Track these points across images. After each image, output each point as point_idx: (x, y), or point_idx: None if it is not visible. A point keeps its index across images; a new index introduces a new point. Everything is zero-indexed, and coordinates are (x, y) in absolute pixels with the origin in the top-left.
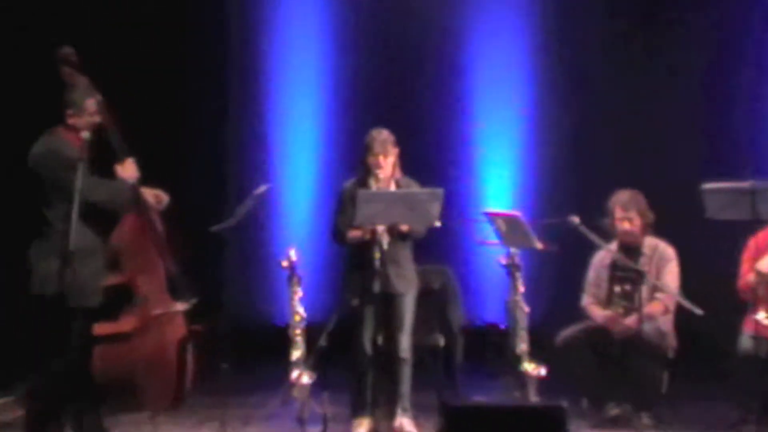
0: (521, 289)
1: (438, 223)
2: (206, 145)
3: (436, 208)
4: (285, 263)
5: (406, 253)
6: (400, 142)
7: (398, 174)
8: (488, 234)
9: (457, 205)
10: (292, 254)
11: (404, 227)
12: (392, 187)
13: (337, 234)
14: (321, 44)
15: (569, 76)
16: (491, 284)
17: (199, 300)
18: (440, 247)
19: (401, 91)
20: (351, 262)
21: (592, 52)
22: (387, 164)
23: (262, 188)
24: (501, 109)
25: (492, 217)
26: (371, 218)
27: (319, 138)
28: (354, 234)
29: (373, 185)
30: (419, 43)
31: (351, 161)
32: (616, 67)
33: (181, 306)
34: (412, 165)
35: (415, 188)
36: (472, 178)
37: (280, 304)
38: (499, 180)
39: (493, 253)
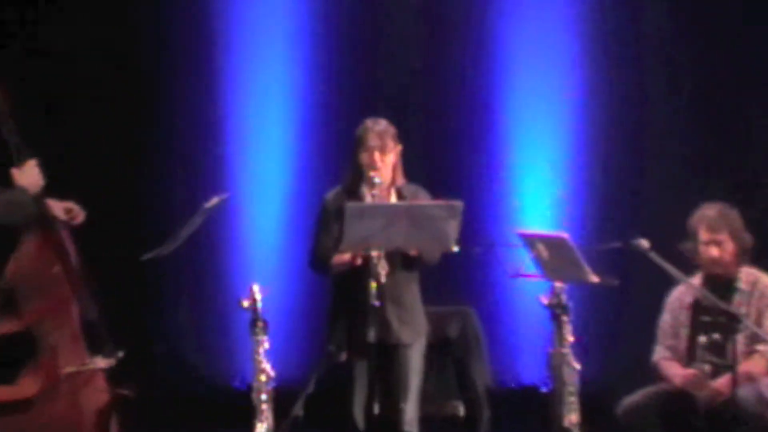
0: (570, 338)
1: (456, 248)
2: (139, 144)
3: (453, 228)
4: (246, 303)
5: (412, 289)
6: (404, 143)
7: (401, 180)
8: (525, 263)
9: (482, 224)
10: (256, 291)
11: (411, 253)
12: (393, 198)
13: (317, 262)
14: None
15: (628, 61)
16: (528, 332)
17: (128, 354)
18: (459, 281)
19: (402, 81)
20: (336, 301)
21: (652, 44)
22: (385, 165)
23: (214, 200)
24: (539, 102)
25: (529, 240)
26: (364, 240)
27: (290, 135)
28: (341, 262)
29: (367, 195)
30: (429, 18)
31: (334, 163)
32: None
33: (102, 362)
34: (420, 173)
35: (424, 199)
36: (501, 189)
37: (239, 359)
38: (537, 191)
39: (530, 290)
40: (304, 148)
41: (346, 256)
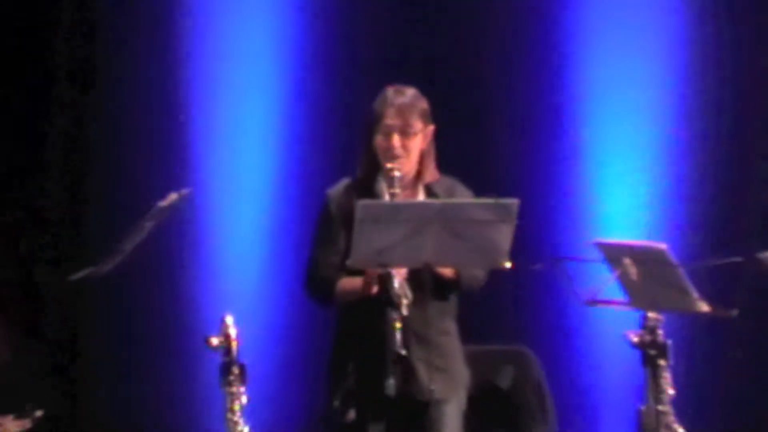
0: (669, 391)
1: (508, 265)
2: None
3: (505, 235)
4: (217, 341)
5: (446, 324)
6: (448, 137)
7: (432, 173)
8: (605, 286)
9: (544, 233)
10: (230, 325)
11: (445, 272)
12: (420, 195)
13: (316, 285)
14: None
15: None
16: (610, 382)
17: (49, 413)
18: (513, 311)
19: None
20: (342, 340)
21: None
22: (409, 153)
23: (171, 197)
24: (625, 86)
25: (612, 252)
26: (380, 255)
27: (273, 121)
28: (350, 288)
29: (384, 192)
30: None
31: (332, 155)
32: None
33: (14, 425)
34: (464, 168)
35: (464, 196)
36: (571, 186)
37: (207, 418)
38: (620, 192)
39: (613, 323)
40: (293, 137)
41: (358, 281)
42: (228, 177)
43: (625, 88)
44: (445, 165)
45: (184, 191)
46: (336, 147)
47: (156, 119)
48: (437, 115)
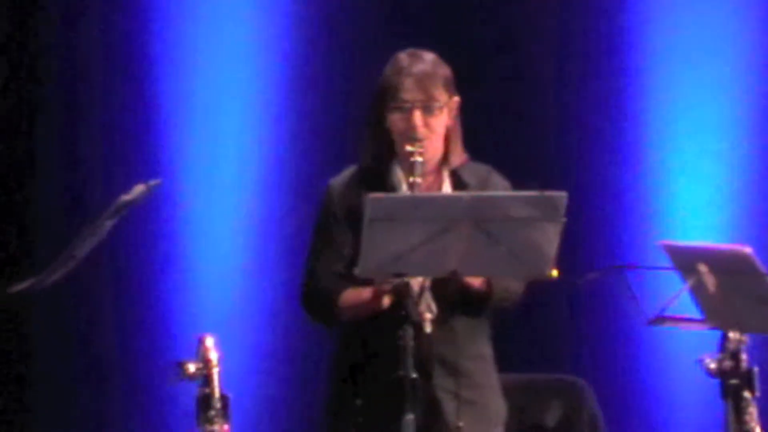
0: (756, 429)
1: (555, 273)
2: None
3: (550, 237)
4: (193, 368)
5: (478, 347)
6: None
7: (459, 156)
8: (674, 299)
9: (600, 234)
10: (210, 347)
11: (473, 282)
12: (446, 185)
13: (315, 298)
14: None
15: None
16: (682, 416)
17: None
18: (562, 333)
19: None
20: (345, 366)
21: None
22: (433, 133)
23: (138, 189)
24: (696, 60)
25: (684, 257)
26: (397, 262)
27: (256, 109)
28: (358, 301)
29: (401, 181)
30: None
31: (328, 136)
32: None
33: None
34: (502, 158)
35: (500, 188)
36: (634, 182)
37: None
38: (694, 184)
39: (685, 346)
40: (279, 120)
41: (366, 293)
42: (203, 167)
43: (698, 59)
44: (481, 157)
45: (153, 182)
46: (331, 130)
47: (117, 99)
48: (470, 95)
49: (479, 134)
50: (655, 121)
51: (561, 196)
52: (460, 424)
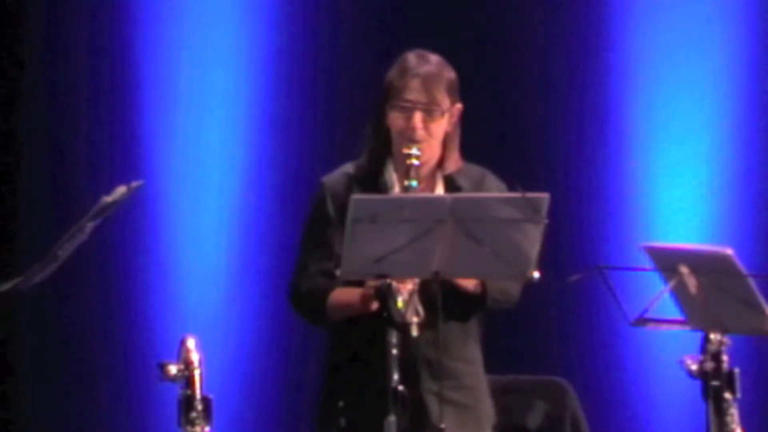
0: (737, 430)
1: (537, 275)
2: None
3: (532, 238)
4: (174, 369)
5: (467, 350)
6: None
7: (455, 161)
8: (656, 300)
9: (583, 236)
10: (191, 348)
11: (467, 284)
12: (439, 188)
13: (304, 297)
14: None
15: None
16: (663, 418)
17: None
18: (545, 334)
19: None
20: (334, 367)
21: None
22: (433, 137)
23: (120, 190)
24: (681, 58)
25: (665, 259)
26: (379, 263)
27: (242, 108)
28: (346, 302)
29: (394, 183)
30: None
31: (317, 134)
32: None
33: None
34: (485, 159)
35: (495, 190)
36: (618, 182)
37: None
38: (676, 185)
39: (666, 347)
40: (265, 118)
41: (356, 293)
42: (187, 167)
43: (681, 60)
44: (466, 159)
45: (135, 184)
46: (315, 130)
47: (102, 100)
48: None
49: (463, 136)
50: (637, 123)
51: (543, 197)
52: (442, 426)
